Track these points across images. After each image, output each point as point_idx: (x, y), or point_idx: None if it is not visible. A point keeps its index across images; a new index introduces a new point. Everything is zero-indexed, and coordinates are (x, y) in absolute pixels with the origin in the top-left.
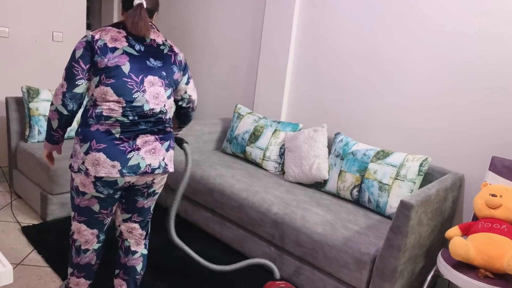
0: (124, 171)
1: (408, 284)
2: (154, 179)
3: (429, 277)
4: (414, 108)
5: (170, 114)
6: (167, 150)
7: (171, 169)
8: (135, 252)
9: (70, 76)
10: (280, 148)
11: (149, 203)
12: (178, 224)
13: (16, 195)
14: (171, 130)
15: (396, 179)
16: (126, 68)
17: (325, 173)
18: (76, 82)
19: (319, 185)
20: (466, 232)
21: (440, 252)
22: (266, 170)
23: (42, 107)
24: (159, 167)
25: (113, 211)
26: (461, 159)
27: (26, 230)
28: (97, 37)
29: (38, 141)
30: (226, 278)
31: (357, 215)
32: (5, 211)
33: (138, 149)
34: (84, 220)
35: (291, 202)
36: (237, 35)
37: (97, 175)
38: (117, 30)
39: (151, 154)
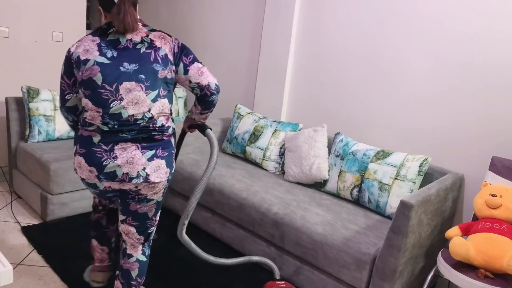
0: (101, 176)
1: (408, 284)
2: (137, 187)
3: (429, 277)
4: (414, 108)
5: (164, 120)
6: (150, 159)
7: (156, 179)
8: (130, 256)
9: (61, 92)
10: (280, 148)
11: (144, 209)
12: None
13: (16, 195)
14: (164, 137)
15: (396, 179)
16: (98, 79)
17: (325, 173)
18: (66, 97)
19: (319, 185)
20: (466, 232)
21: (440, 252)
22: (266, 170)
23: (42, 107)
24: (137, 177)
25: (115, 202)
26: (461, 159)
27: (26, 230)
28: (72, 50)
29: (38, 141)
30: (226, 278)
31: (357, 215)
32: (5, 211)
33: (115, 157)
34: None
35: (291, 202)
36: (237, 35)
37: (80, 176)
38: (92, 38)
39: (128, 163)
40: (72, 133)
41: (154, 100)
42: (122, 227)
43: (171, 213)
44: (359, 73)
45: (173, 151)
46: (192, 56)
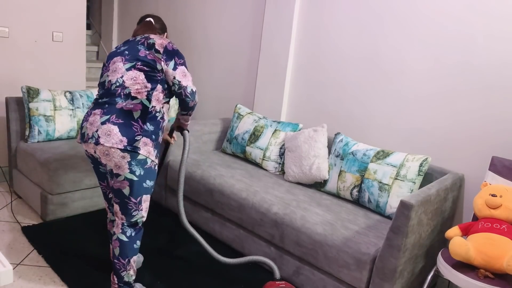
0: (80, 137)
1: (408, 284)
2: (96, 152)
3: (429, 277)
4: (414, 108)
5: (135, 92)
6: (103, 123)
7: (106, 142)
8: (113, 234)
9: None
10: (280, 148)
11: (117, 185)
12: (178, 224)
13: (16, 195)
14: (124, 107)
15: (396, 179)
16: (106, 63)
17: (325, 173)
18: None
19: (319, 185)
20: (466, 232)
21: (440, 252)
22: (266, 170)
23: (42, 107)
24: (92, 137)
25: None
26: (461, 159)
27: (26, 230)
28: None
29: (38, 141)
30: (226, 278)
31: (357, 215)
32: (5, 211)
33: (87, 120)
34: None
35: (291, 202)
36: (237, 35)
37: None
38: None
39: (90, 124)
40: (72, 133)
41: (128, 69)
42: (114, 206)
43: (171, 213)
44: (359, 73)
45: (134, 123)
46: (183, 60)
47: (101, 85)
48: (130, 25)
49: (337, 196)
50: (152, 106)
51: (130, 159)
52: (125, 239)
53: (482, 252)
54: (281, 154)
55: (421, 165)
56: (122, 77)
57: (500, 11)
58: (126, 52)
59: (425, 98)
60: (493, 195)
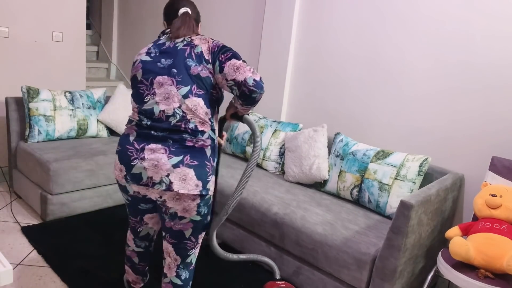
0: (128, 177)
1: (408, 284)
2: (162, 197)
3: (429, 277)
4: (414, 108)
5: (199, 124)
6: (175, 165)
7: (181, 189)
8: (165, 276)
9: None
10: (280, 148)
11: (178, 227)
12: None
13: (16, 195)
14: (196, 145)
15: (396, 179)
16: (139, 75)
17: (325, 173)
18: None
19: (319, 185)
20: (466, 232)
21: (440, 252)
22: (266, 170)
23: (42, 107)
24: (160, 183)
25: (147, 225)
26: (461, 159)
27: (26, 230)
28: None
29: (38, 141)
30: (226, 278)
31: (357, 215)
32: (5, 211)
33: (143, 158)
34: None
35: (291, 202)
36: (237, 35)
37: (115, 178)
38: (149, 44)
39: (153, 166)
40: (72, 133)
41: (185, 96)
42: (164, 244)
43: None
44: (359, 73)
45: (207, 163)
46: (230, 53)
47: (147, 113)
48: (130, 25)
49: (337, 196)
50: (215, 136)
51: (199, 201)
52: (179, 282)
53: (482, 252)
54: (281, 154)
55: (421, 165)
56: (180, 107)
57: (500, 11)
58: (174, 70)
59: (425, 97)
60: (493, 195)
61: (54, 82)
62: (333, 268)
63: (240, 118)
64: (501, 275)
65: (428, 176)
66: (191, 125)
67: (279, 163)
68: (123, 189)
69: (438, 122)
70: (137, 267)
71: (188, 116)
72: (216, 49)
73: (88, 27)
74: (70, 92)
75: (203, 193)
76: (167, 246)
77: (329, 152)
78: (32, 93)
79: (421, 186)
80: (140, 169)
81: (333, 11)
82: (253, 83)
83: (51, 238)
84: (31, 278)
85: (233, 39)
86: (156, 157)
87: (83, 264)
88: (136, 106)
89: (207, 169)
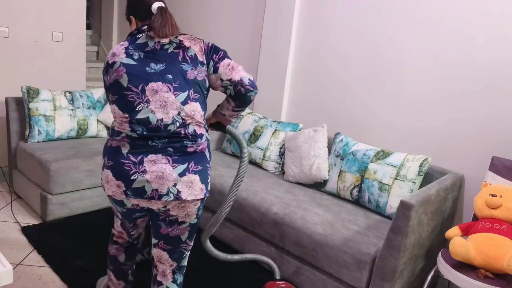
0: (128, 192)
1: (408, 284)
2: (166, 206)
3: (429, 277)
4: (414, 107)
5: (197, 127)
6: (181, 174)
7: (189, 196)
8: (160, 284)
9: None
10: (280, 148)
11: (176, 232)
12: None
13: (16, 195)
14: (197, 149)
15: (396, 179)
16: (124, 80)
17: (325, 173)
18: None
19: (319, 185)
20: (466, 232)
21: (440, 252)
22: (266, 170)
23: (42, 107)
24: (167, 194)
25: (139, 227)
26: (461, 159)
27: (26, 230)
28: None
29: (38, 141)
30: (226, 278)
31: (357, 215)
32: (5, 211)
33: (144, 171)
34: (116, 215)
35: (291, 202)
36: (237, 35)
37: (107, 193)
38: (122, 43)
39: (158, 178)
40: (72, 133)
41: (184, 103)
42: (154, 252)
43: None
44: (359, 73)
45: (208, 165)
46: (222, 53)
47: (142, 122)
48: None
49: (337, 196)
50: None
51: (199, 204)
52: (175, 287)
53: (482, 252)
54: (281, 154)
55: (421, 165)
56: (179, 114)
57: (501, 11)
58: (170, 76)
59: (426, 97)
60: (493, 195)
61: (54, 82)
62: (333, 268)
63: (222, 128)
64: (501, 275)
65: (428, 176)
66: (190, 130)
67: (279, 163)
68: (119, 203)
69: (438, 122)
70: (121, 267)
71: (187, 121)
72: (208, 50)
73: (88, 27)
74: (70, 92)
75: (207, 195)
76: (160, 254)
77: (329, 152)
78: (32, 93)
79: (421, 186)
80: (143, 183)
81: (333, 11)
82: (249, 82)
83: (51, 238)
84: (31, 278)
85: (233, 39)
86: (159, 168)
87: (83, 264)
88: (125, 115)
89: (208, 171)
